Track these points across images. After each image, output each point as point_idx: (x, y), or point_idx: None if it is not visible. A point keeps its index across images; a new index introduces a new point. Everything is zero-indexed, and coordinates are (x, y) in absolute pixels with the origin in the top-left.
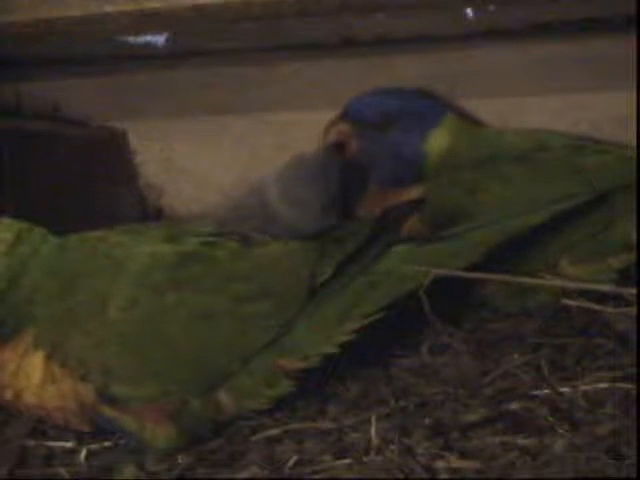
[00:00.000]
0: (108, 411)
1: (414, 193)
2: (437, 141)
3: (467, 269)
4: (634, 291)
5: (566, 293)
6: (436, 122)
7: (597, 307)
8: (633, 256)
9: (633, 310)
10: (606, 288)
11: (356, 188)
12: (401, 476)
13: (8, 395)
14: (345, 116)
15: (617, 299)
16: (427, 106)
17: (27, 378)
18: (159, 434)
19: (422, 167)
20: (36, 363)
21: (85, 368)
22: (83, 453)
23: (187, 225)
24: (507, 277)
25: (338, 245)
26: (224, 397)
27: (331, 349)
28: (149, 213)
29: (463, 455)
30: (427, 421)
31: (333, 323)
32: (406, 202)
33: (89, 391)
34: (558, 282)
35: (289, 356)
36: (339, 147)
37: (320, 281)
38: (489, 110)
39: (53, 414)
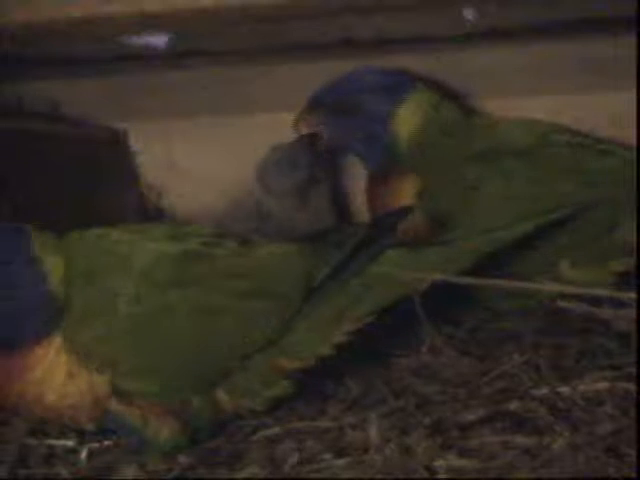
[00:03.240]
0: (116, 405)
1: (407, 181)
2: (405, 117)
3: (465, 274)
4: (634, 295)
5: (565, 295)
6: (401, 97)
7: (595, 310)
8: (633, 260)
9: (632, 312)
10: (605, 293)
11: (341, 176)
12: (401, 475)
13: (31, 396)
14: (312, 105)
15: (616, 302)
16: (393, 82)
17: (52, 378)
18: (162, 430)
19: (394, 146)
20: (62, 362)
21: (99, 361)
22: (84, 453)
23: (187, 225)
24: (505, 282)
25: (334, 248)
26: (222, 395)
27: (326, 350)
28: (149, 213)
29: (463, 454)
30: (427, 420)
31: (328, 324)
32: (400, 207)
33: (104, 383)
34: (556, 287)
35: (286, 356)
36: (312, 137)
37: (317, 283)
38: (489, 110)
39: (67, 413)
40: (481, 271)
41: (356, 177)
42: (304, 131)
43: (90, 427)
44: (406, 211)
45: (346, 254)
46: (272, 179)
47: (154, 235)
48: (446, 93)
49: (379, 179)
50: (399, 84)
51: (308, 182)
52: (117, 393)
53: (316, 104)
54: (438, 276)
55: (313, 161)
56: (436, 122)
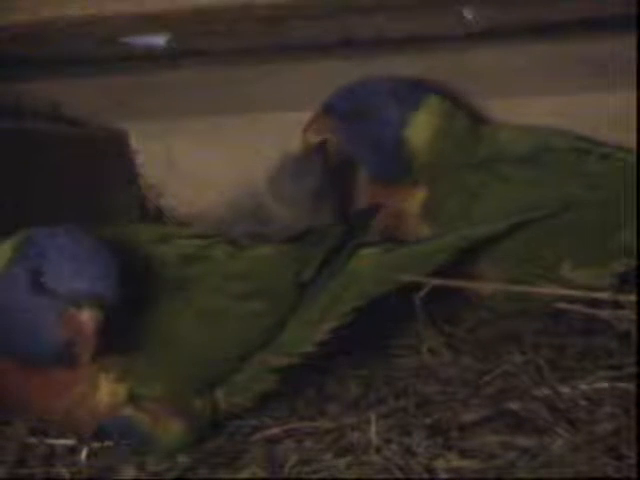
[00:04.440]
0: (128, 411)
1: (415, 191)
2: (418, 125)
3: (464, 277)
4: (633, 298)
5: (564, 296)
6: (415, 105)
7: (594, 311)
8: (634, 261)
9: (631, 314)
10: (604, 296)
11: (347, 183)
12: (401, 476)
13: (79, 411)
14: (323, 112)
15: (616, 303)
16: (405, 90)
17: (94, 391)
18: (171, 430)
19: (405, 155)
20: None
21: (118, 368)
22: (84, 452)
23: (182, 227)
24: (504, 285)
25: (317, 247)
26: (219, 394)
27: (309, 348)
28: (149, 213)
29: (463, 455)
30: (427, 421)
31: (311, 323)
32: (370, 205)
33: (122, 392)
34: (555, 290)
35: (273, 353)
36: (322, 144)
37: (303, 282)
38: (489, 110)
39: (90, 423)
40: (483, 271)
41: (364, 185)
42: (313, 138)
43: (89, 432)
44: (375, 209)
45: (326, 254)
46: (283, 187)
47: (150, 237)
48: (449, 95)
49: (385, 187)
50: (411, 92)
51: (319, 190)
52: (131, 398)
53: (327, 111)
54: (438, 281)
55: (324, 168)
56: (447, 131)
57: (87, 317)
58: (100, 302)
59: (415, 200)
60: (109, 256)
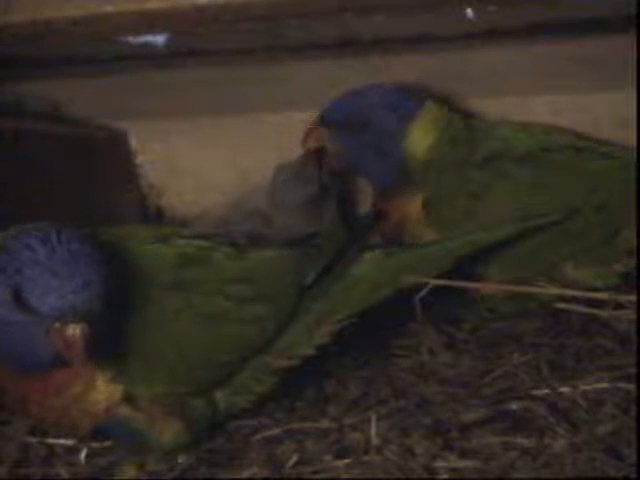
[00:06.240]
0: (124, 410)
1: (421, 194)
2: (418, 135)
3: (464, 277)
4: (633, 298)
5: (564, 296)
6: (414, 115)
7: (593, 311)
8: (634, 260)
9: (631, 314)
10: (604, 296)
11: (346, 193)
12: (401, 476)
13: (74, 411)
14: (322, 121)
15: (616, 303)
16: (404, 100)
17: (89, 392)
18: (168, 429)
19: (407, 165)
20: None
21: (115, 368)
22: (83, 452)
23: (180, 228)
24: (504, 285)
25: (319, 250)
26: (218, 395)
27: (309, 351)
28: (149, 213)
29: (463, 455)
30: (427, 421)
31: (313, 325)
32: (371, 213)
33: (118, 392)
34: (555, 290)
35: (275, 355)
36: (320, 152)
37: (305, 285)
38: (489, 110)
39: (87, 423)
40: (483, 272)
41: (366, 192)
42: (312, 146)
43: (87, 433)
44: (376, 215)
45: (328, 257)
46: (283, 196)
47: (150, 237)
48: (447, 94)
49: (389, 198)
50: (408, 101)
51: (319, 197)
52: (127, 398)
53: (324, 121)
54: (441, 281)
55: (322, 176)
56: (447, 136)
57: (72, 332)
58: (84, 315)
59: (418, 204)
60: (89, 260)
